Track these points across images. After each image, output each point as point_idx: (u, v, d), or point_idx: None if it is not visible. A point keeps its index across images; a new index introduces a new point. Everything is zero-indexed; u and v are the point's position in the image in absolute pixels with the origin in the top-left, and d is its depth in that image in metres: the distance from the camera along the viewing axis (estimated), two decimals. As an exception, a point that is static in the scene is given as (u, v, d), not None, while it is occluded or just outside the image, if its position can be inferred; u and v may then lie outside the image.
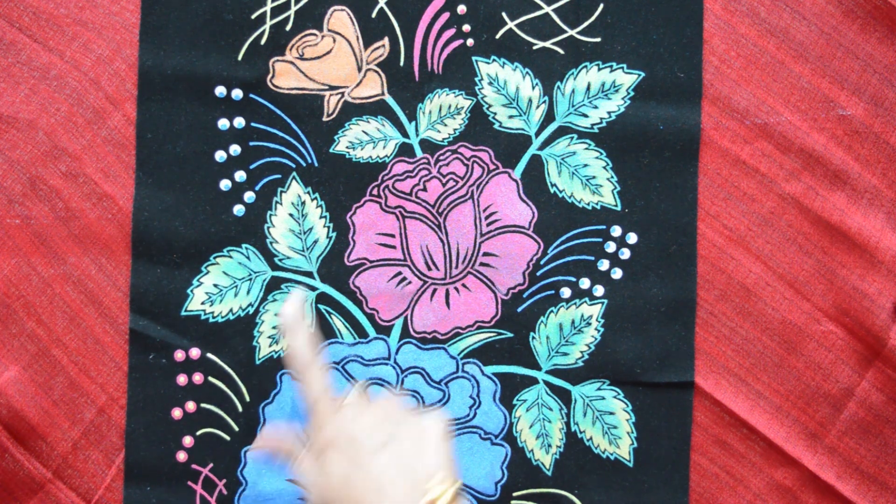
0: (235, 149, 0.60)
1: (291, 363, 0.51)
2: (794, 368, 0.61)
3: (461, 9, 0.61)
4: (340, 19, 0.61)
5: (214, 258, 0.60)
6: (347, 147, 0.61)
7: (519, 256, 0.61)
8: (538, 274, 0.61)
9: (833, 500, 0.61)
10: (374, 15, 0.61)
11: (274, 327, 0.60)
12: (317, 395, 0.50)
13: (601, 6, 0.61)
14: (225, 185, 0.60)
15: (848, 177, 0.61)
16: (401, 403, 0.52)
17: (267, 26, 0.60)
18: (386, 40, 0.61)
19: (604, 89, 0.61)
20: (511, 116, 0.61)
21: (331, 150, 0.61)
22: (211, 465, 0.60)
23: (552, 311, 0.61)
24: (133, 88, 0.60)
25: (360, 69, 0.61)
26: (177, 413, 0.60)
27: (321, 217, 0.61)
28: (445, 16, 0.61)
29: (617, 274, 0.61)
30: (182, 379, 0.60)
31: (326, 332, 0.61)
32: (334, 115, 0.61)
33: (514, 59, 0.61)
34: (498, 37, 0.61)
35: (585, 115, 0.61)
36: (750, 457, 0.61)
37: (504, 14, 0.61)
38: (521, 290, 0.61)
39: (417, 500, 0.47)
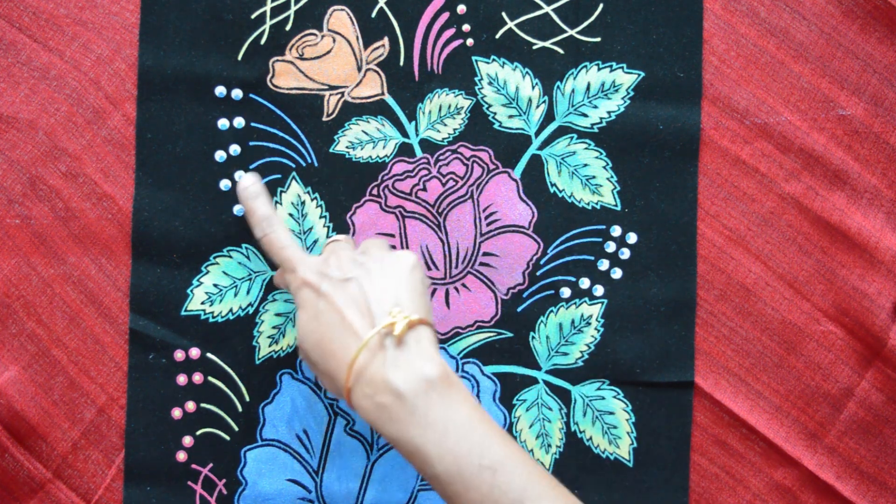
0: (235, 149, 0.60)
1: (255, 224, 0.55)
2: (793, 368, 0.61)
3: (461, 8, 0.61)
4: (340, 19, 0.61)
5: (214, 258, 0.60)
6: (347, 147, 0.61)
7: (519, 256, 0.61)
8: (538, 274, 0.61)
9: (833, 500, 0.60)
10: (373, 15, 0.61)
11: (274, 326, 0.60)
12: (284, 244, 0.54)
13: (601, 6, 0.61)
14: (225, 185, 0.60)
15: (848, 177, 0.61)
16: (378, 243, 0.54)
17: (267, 26, 0.60)
18: (386, 40, 0.61)
19: (603, 89, 0.61)
20: (511, 116, 0.61)
21: (331, 150, 0.61)
22: (211, 465, 0.60)
23: (552, 311, 0.61)
24: (133, 88, 0.60)
25: (359, 69, 0.61)
26: (177, 413, 0.60)
27: (321, 217, 0.61)
28: (445, 15, 0.61)
29: (617, 274, 0.61)
30: (182, 379, 0.60)
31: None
32: (334, 115, 0.61)
33: (514, 59, 0.61)
34: (498, 37, 0.61)
35: (585, 115, 0.61)
36: (750, 457, 0.61)
37: (504, 14, 0.61)
38: (521, 290, 0.61)
39: (375, 325, 0.47)
